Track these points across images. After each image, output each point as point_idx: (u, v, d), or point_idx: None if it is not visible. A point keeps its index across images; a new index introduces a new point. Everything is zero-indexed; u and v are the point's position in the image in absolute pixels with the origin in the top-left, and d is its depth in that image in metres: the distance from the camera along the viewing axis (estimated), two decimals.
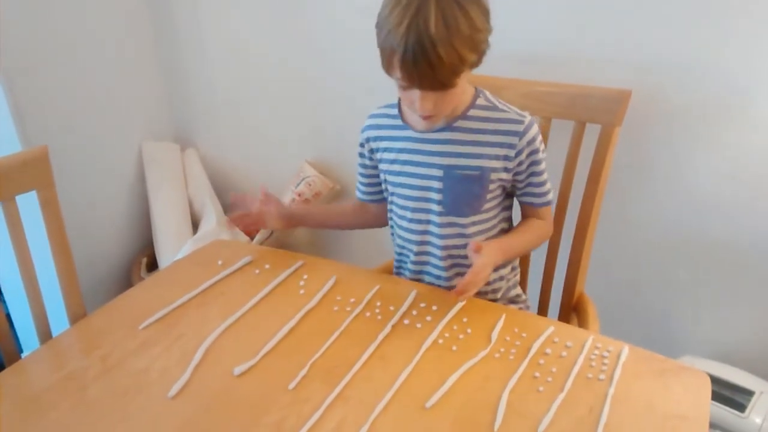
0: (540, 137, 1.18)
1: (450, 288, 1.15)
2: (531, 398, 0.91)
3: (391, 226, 1.32)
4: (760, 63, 1.28)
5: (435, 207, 1.20)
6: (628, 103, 1.29)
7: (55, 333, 1.14)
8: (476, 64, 1.07)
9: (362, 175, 1.34)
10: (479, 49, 1.05)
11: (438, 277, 1.27)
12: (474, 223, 1.21)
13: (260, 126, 2.03)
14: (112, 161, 1.99)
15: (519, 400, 0.91)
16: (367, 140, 1.28)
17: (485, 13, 1.05)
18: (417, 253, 1.26)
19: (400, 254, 1.32)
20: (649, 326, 1.61)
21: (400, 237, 1.29)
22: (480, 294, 1.19)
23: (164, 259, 1.90)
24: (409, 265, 1.29)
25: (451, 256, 1.23)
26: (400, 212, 1.26)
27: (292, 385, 0.94)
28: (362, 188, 1.35)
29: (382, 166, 1.26)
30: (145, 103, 2.08)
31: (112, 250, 2.03)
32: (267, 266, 1.25)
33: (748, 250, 1.43)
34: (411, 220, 1.24)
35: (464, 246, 1.20)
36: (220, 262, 1.27)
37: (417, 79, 1.03)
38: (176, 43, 2.02)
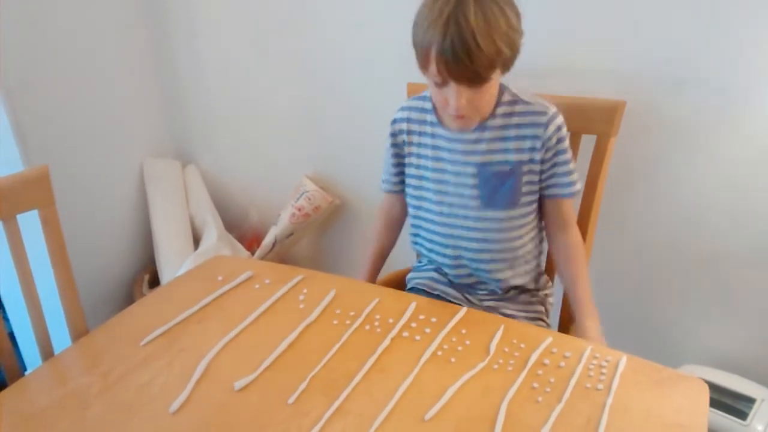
0: (565, 128, 1.19)
1: (484, 282, 1.28)
2: (529, 409, 0.92)
3: (417, 226, 1.33)
4: (755, 73, 1.29)
5: (472, 202, 1.22)
6: (623, 113, 1.30)
7: (57, 350, 1.15)
8: (509, 63, 1.10)
9: (394, 165, 1.33)
10: (514, 46, 1.08)
11: (476, 270, 1.28)
12: (512, 218, 1.23)
13: (260, 142, 2.04)
14: (114, 178, 2.00)
15: (518, 410, 0.91)
16: (400, 132, 1.29)
17: (518, 16, 1.08)
18: (451, 247, 1.28)
19: (429, 251, 1.33)
20: (649, 335, 1.61)
21: (429, 231, 1.30)
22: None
23: (166, 275, 1.91)
24: (441, 259, 1.31)
25: (489, 250, 1.25)
26: (436, 208, 1.27)
27: (292, 399, 0.95)
28: (393, 179, 1.35)
29: (413, 160, 1.28)
30: (146, 120, 2.10)
31: (114, 266, 2.05)
32: (267, 281, 1.26)
33: (746, 258, 1.43)
34: (441, 214, 1.26)
35: (502, 240, 1.24)
36: (220, 278, 1.28)
37: (454, 72, 1.04)
38: (176, 61, 2.04)
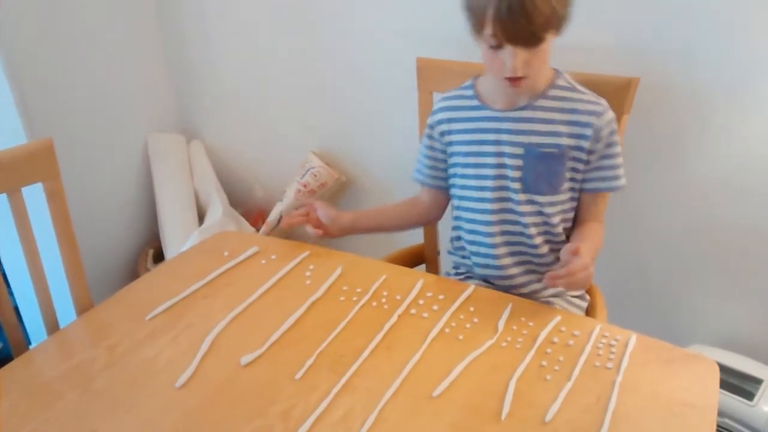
0: (616, 123, 1.19)
1: (547, 263, 1.25)
2: (538, 387, 0.91)
3: (458, 218, 1.30)
4: None
5: (515, 185, 1.21)
6: (635, 90, 1.28)
7: (62, 324, 1.14)
8: (562, 23, 1.09)
9: (427, 157, 1.32)
10: (567, 5, 1.07)
11: (533, 255, 1.26)
12: (552, 203, 1.21)
13: (265, 117, 2.03)
14: (118, 153, 1.99)
15: (526, 388, 0.91)
16: (439, 122, 1.27)
17: None
18: (493, 235, 1.24)
19: (471, 242, 1.28)
20: (658, 315, 1.60)
21: (470, 222, 1.27)
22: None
23: (170, 251, 1.90)
24: (483, 249, 1.27)
25: (540, 234, 1.23)
26: (477, 194, 1.25)
27: (299, 375, 0.94)
28: (425, 171, 1.33)
29: (456, 148, 1.26)
30: (151, 95, 2.08)
31: (119, 241, 2.04)
32: (273, 257, 1.25)
33: (756, 239, 1.42)
34: (485, 200, 1.23)
35: (545, 224, 1.22)
36: (226, 253, 1.27)
37: (510, 33, 1.04)
38: (182, 35, 2.02)
